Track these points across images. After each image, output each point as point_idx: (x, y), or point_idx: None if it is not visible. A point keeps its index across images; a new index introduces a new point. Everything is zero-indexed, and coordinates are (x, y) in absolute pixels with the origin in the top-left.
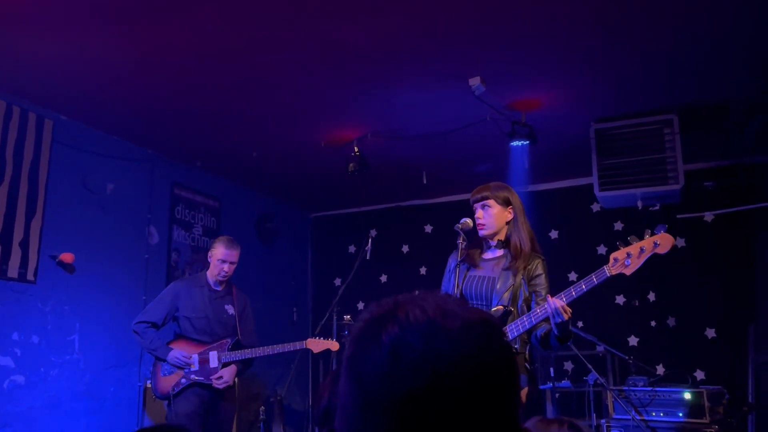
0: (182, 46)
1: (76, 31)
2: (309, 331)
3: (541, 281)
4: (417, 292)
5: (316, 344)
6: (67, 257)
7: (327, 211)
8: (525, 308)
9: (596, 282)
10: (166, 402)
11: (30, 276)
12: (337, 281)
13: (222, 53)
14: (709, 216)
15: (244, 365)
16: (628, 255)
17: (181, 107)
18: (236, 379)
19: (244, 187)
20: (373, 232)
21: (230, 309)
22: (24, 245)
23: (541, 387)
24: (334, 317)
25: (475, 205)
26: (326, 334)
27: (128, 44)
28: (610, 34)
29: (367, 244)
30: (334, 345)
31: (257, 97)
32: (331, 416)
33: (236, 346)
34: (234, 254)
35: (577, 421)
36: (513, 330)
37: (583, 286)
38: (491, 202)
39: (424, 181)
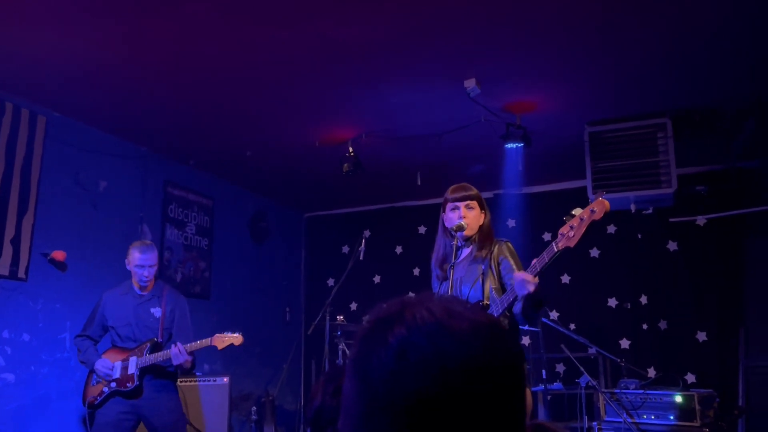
0: (176, 44)
1: (68, 26)
2: (301, 332)
3: (509, 264)
4: (420, 294)
5: (221, 340)
6: (58, 255)
7: (321, 211)
8: (496, 297)
9: (547, 259)
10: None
11: (21, 273)
12: (330, 282)
13: (216, 51)
14: (701, 220)
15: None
16: (571, 227)
17: (174, 105)
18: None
19: (238, 186)
20: (367, 233)
21: (157, 312)
22: (15, 242)
23: (533, 389)
24: (327, 318)
25: (458, 203)
26: (319, 335)
27: (121, 41)
28: (605, 38)
29: (360, 245)
30: (237, 339)
31: (252, 96)
32: (323, 417)
33: (158, 348)
34: (150, 257)
35: None
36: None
37: (537, 266)
38: (475, 203)
39: (419, 182)
